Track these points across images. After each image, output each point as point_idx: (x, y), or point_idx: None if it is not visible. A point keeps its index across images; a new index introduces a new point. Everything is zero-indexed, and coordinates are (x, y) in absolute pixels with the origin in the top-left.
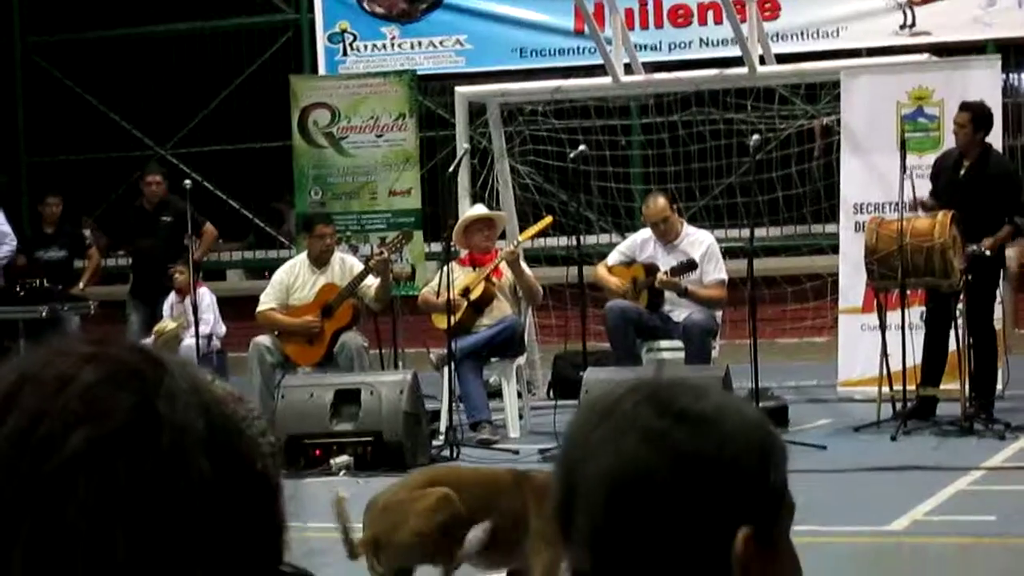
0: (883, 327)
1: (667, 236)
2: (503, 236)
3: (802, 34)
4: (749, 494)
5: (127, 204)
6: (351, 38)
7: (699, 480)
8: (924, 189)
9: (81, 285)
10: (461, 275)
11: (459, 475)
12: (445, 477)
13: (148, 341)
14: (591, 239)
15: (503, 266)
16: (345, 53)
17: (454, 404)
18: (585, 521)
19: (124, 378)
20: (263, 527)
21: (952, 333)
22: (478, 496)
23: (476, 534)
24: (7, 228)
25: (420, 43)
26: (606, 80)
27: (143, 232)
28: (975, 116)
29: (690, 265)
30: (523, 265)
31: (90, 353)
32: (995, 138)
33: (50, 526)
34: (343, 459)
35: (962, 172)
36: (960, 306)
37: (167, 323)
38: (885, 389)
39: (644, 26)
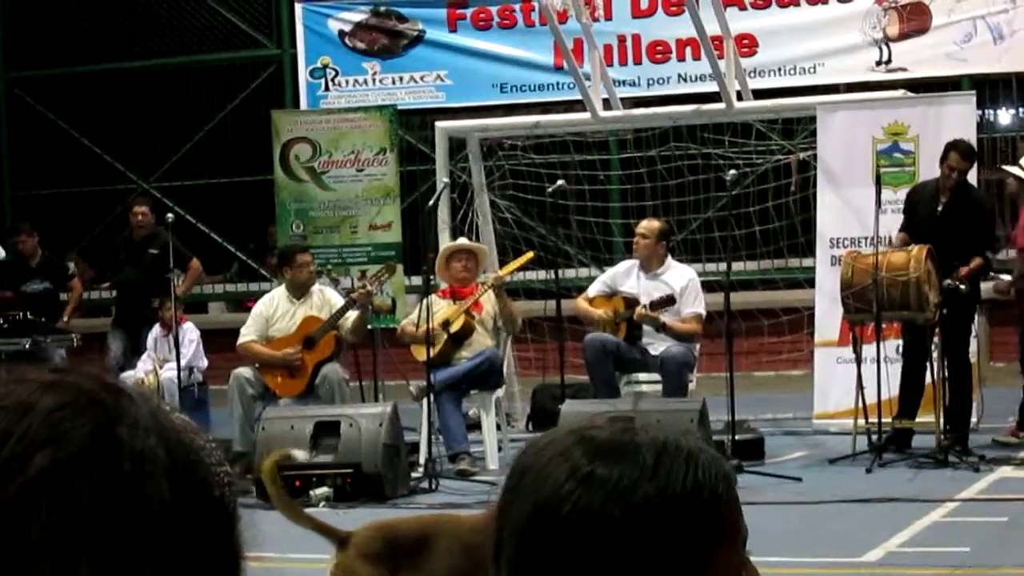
0: (859, 360)
1: (647, 260)
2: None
3: (779, 70)
4: (675, 534)
5: (113, 236)
6: (333, 73)
7: (623, 518)
8: (897, 223)
9: (65, 318)
10: (442, 308)
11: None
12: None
13: (129, 374)
14: (570, 273)
15: (483, 299)
16: (327, 88)
17: (433, 436)
18: (509, 552)
19: (84, 405)
20: (220, 553)
21: (928, 365)
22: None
23: None
24: None
25: (401, 78)
26: (585, 115)
27: (129, 263)
28: (966, 156)
29: (669, 300)
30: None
31: (50, 381)
32: (971, 173)
33: (16, 546)
34: (323, 491)
35: (940, 207)
36: (935, 339)
37: (150, 380)
38: (860, 421)
39: (623, 62)
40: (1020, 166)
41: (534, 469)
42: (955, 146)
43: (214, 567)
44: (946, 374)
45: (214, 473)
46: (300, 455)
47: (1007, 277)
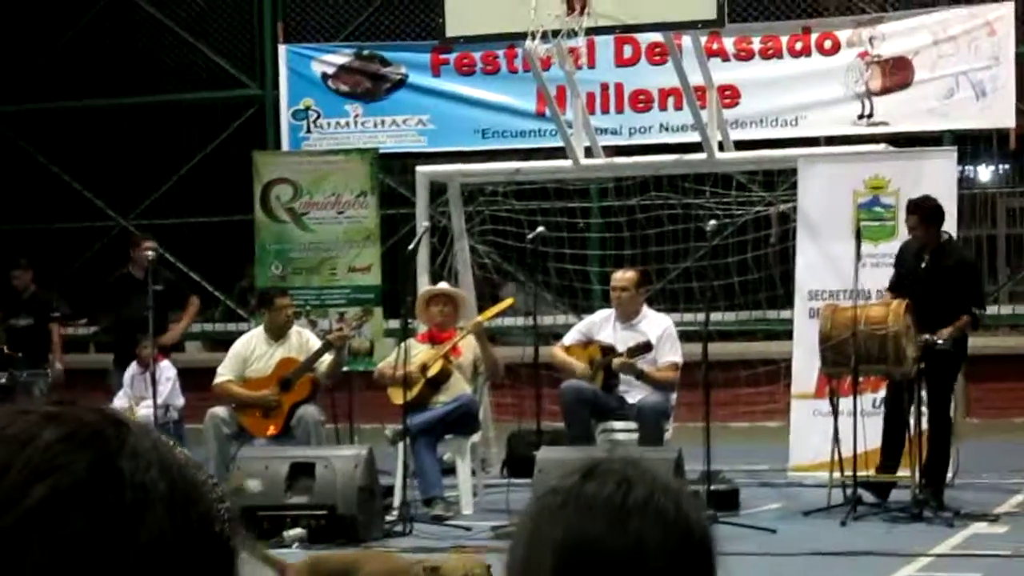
0: (835, 413)
1: (625, 311)
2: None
3: (761, 121)
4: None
5: (93, 273)
6: (315, 115)
7: (648, 554)
8: (882, 277)
9: (57, 364)
10: (420, 352)
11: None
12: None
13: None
14: (548, 319)
15: (461, 344)
16: (309, 130)
17: (408, 480)
18: None
19: (85, 437)
20: None
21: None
22: None
23: None
24: None
25: (383, 121)
26: (566, 163)
27: (133, 301)
28: (924, 216)
29: (646, 347)
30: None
31: (52, 413)
32: (950, 229)
33: None
34: (296, 532)
35: (923, 264)
36: (913, 394)
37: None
38: (836, 474)
39: (605, 110)
40: None
41: (560, 504)
42: (910, 208)
43: None
44: (924, 428)
45: (214, 508)
46: (253, 485)
47: None
